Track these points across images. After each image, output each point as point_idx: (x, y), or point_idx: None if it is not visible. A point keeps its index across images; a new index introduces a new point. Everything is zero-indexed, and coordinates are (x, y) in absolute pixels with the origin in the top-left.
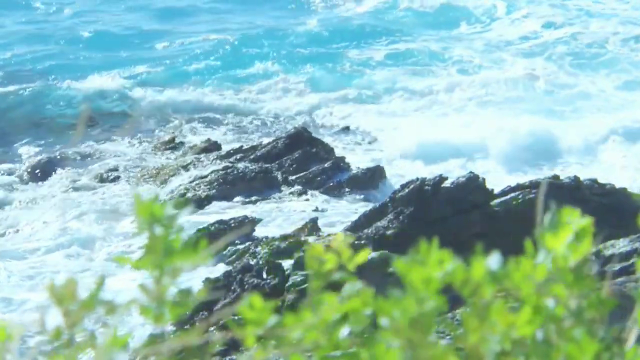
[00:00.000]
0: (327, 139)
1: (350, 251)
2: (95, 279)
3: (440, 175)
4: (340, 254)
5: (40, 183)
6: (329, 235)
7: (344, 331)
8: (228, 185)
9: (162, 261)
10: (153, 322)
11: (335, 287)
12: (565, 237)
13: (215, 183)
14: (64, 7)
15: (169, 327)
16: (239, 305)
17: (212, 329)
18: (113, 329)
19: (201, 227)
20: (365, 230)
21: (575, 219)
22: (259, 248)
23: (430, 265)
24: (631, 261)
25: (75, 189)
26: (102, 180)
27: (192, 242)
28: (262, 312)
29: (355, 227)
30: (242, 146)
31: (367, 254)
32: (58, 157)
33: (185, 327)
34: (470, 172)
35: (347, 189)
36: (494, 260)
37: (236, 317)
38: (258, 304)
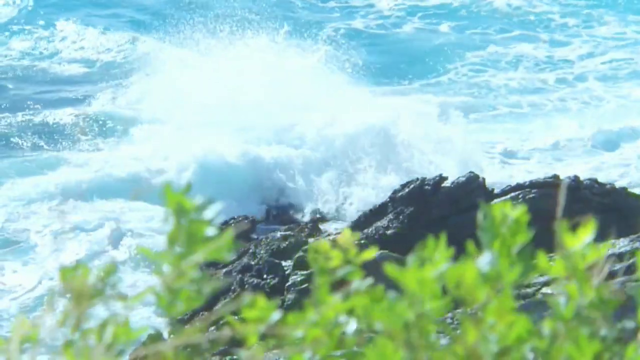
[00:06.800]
0: None
1: (356, 248)
2: (106, 266)
3: (440, 175)
4: (346, 250)
5: None
6: (328, 235)
7: (351, 327)
8: None
9: (184, 251)
10: (166, 311)
11: (339, 285)
12: (584, 237)
13: None
14: None
15: (168, 327)
16: (242, 305)
17: (212, 328)
18: (123, 319)
19: None
20: (365, 230)
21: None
22: (259, 248)
23: (435, 264)
24: (631, 261)
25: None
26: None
27: (218, 235)
28: (264, 310)
29: (355, 227)
30: None
31: (374, 252)
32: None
33: (185, 326)
34: (470, 172)
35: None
36: (484, 260)
37: (237, 317)
38: (261, 303)
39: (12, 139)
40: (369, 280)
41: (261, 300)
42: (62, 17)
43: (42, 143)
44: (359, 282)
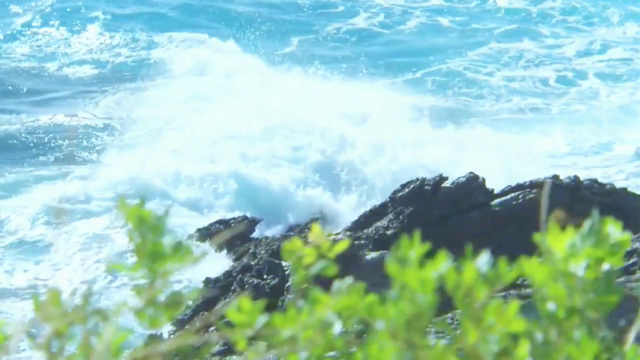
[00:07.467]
0: None
1: (328, 242)
2: (84, 289)
3: (441, 175)
4: (319, 246)
5: None
6: (329, 235)
7: (336, 328)
8: None
9: (153, 264)
10: (149, 325)
11: (323, 282)
12: (567, 240)
13: None
14: None
15: (168, 328)
16: (227, 309)
17: (211, 329)
18: (108, 333)
19: (201, 227)
20: (365, 230)
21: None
22: (259, 248)
23: (414, 262)
24: (631, 261)
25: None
26: None
27: (179, 244)
28: (251, 314)
29: (355, 227)
30: None
31: (346, 244)
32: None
33: (185, 327)
34: (470, 172)
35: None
36: (483, 260)
37: (226, 320)
38: (247, 306)
39: (23, 141)
40: (349, 279)
41: (247, 303)
42: (79, 19)
43: (54, 146)
44: (339, 283)
